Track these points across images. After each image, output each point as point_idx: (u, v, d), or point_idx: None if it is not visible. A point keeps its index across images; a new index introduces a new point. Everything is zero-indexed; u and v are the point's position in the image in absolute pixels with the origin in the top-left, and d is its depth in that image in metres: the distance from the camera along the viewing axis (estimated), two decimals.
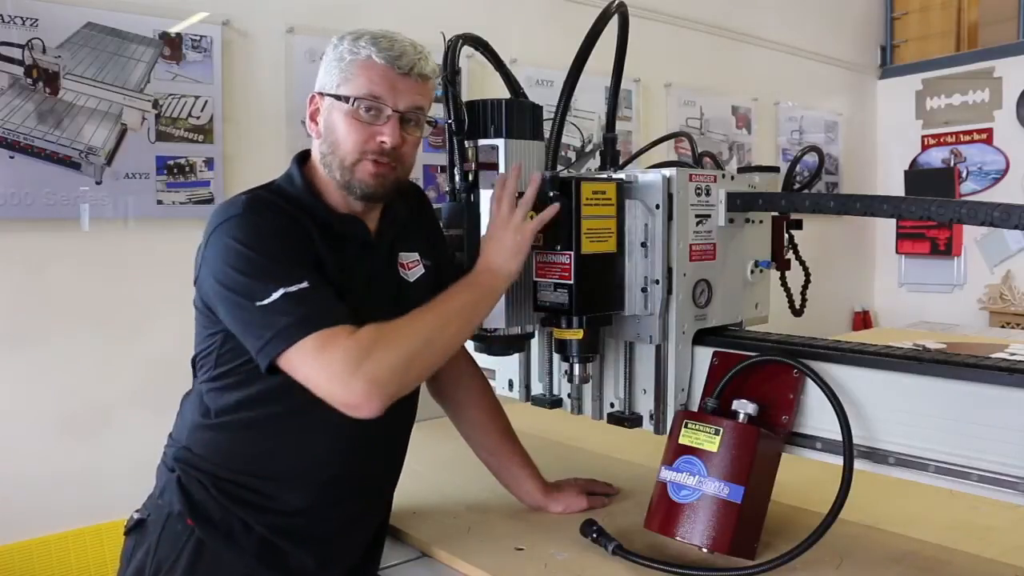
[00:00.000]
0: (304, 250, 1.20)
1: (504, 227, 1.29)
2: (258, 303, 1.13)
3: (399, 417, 1.33)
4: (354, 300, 1.25)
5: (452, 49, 1.43)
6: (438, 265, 1.42)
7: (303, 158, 1.34)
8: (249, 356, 1.19)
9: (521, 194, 1.33)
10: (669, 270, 1.36)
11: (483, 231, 1.41)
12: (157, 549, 1.27)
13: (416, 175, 3.21)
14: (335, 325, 1.13)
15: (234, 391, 1.26)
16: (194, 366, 1.33)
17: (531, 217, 1.31)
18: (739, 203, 1.40)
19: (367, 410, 1.12)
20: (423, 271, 1.39)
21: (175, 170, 2.78)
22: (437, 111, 1.38)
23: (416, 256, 1.39)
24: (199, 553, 1.26)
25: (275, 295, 1.12)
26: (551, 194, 1.30)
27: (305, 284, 1.14)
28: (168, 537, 1.27)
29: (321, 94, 1.28)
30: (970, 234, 5.53)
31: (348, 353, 1.10)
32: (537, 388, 1.59)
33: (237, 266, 1.16)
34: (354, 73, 1.24)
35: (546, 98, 1.52)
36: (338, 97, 1.25)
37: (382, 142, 1.24)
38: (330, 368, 1.11)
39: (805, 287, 1.67)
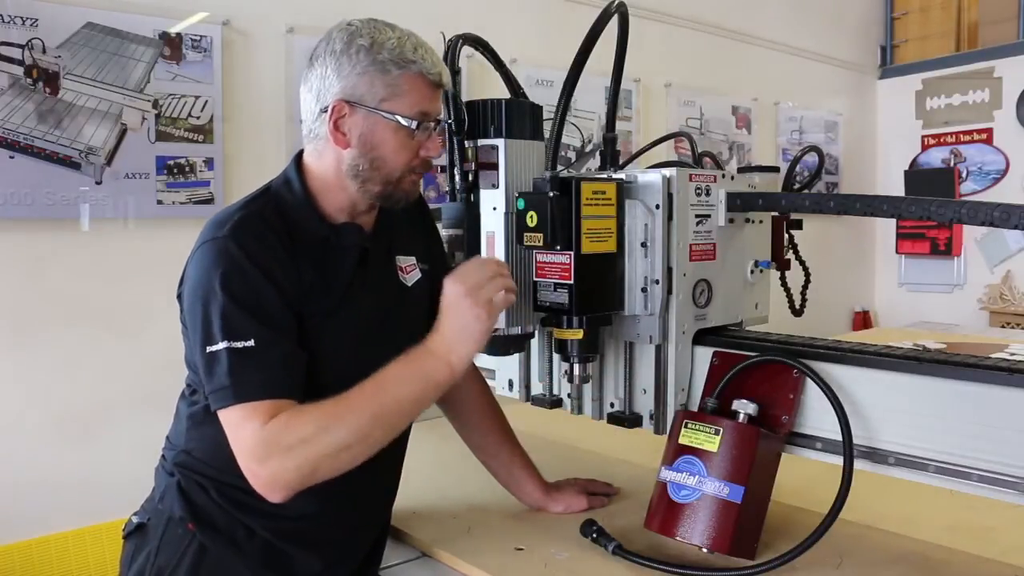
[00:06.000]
0: (274, 294, 1.16)
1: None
2: (207, 348, 1.12)
3: None
4: (353, 309, 1.25)
5: (452, 49, 1.42)
6: (435, 270, 1.41)
7: (301, 159, 1.30)
8: None
9: None
10: (669, 270, 1.36)
11: (483, 231, 1.41)
12: (158, 554, 1.26)
13: None
14: (262, 399, 1.10)
15: None
16: (189, 372, 1.30)
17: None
18: (739, 203, 1.40)
19: (270, 498, 1.11)
20: (420, 275, 1.38)
21: (175, 170, 2.78)
22: None
23: (413, 260, 1.38)
24: (201, 558, 1.25)
25: (220, 345, 1.11)
26: (551, 194, 1.29)
27: (251, 343, 1.11)
28: (169, 542, 1.26)
29: (353, 103, 1.20)
30: (970, 234, 5.53)
31: (260, 441, 1.09)
32: (537, 388, 1.59)
33: (201, 298, 1.14)
34: (404, 89, 1.20)
35: (546, 98, 1.52)
36: (389, 113, 1.20)
37: (430, 158, 1.26)
38: (241, 449, 1.11)
39: (805, 287, 1.68)
